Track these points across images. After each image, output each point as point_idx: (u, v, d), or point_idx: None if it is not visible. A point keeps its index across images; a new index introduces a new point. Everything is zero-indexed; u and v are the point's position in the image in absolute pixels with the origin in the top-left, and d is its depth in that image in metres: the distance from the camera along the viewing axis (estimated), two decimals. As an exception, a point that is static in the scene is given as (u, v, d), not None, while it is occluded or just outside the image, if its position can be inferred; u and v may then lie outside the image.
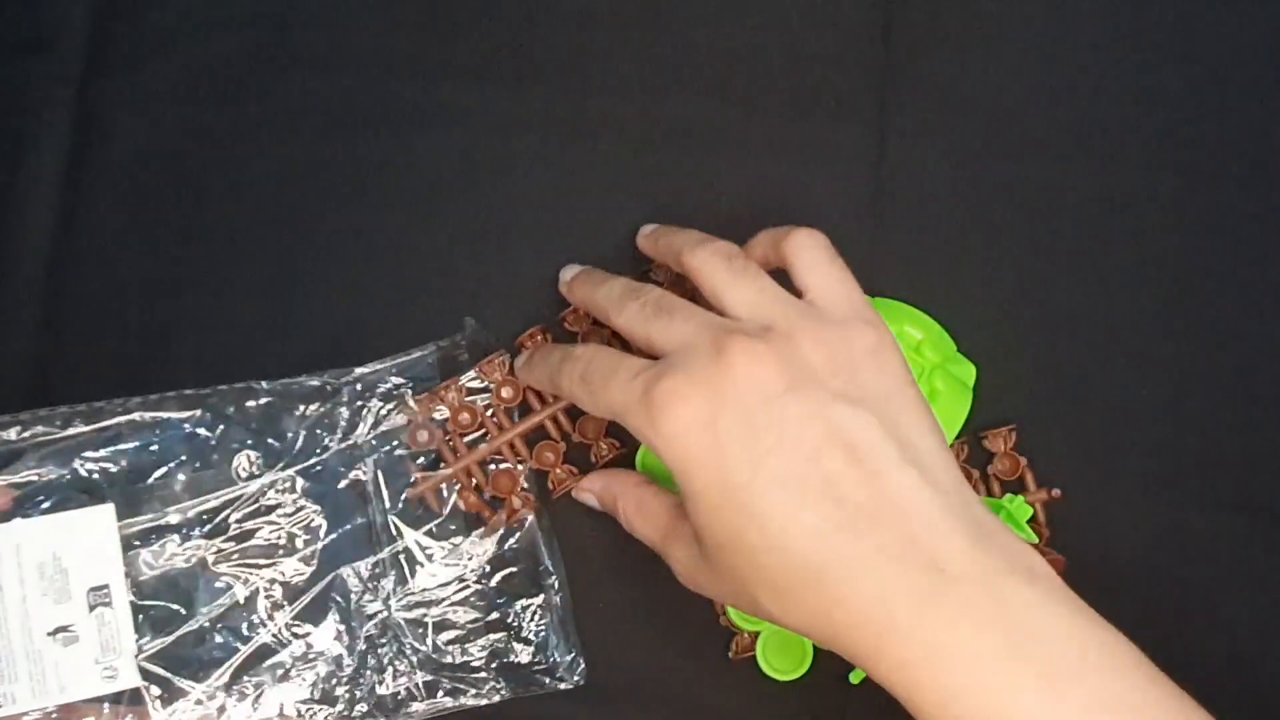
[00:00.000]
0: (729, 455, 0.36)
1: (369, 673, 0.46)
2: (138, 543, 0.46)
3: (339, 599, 0.46)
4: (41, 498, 0.46)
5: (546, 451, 0.48)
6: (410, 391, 0.48)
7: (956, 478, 0.37)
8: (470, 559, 0.47)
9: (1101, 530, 0.48)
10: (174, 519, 0.46)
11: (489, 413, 0.48)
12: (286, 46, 0.52)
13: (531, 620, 0.47)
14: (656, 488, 0.44)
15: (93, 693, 0.44)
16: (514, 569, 0.48)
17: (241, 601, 0.46)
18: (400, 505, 0.47)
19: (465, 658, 0.47)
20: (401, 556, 0.47)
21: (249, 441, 0.47)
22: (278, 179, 0.51)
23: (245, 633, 0.46)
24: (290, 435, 0.48)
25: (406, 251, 0.51)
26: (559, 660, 0.47)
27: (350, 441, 0.48)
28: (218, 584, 0.46)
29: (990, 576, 0.35)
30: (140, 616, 0.45)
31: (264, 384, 0.48)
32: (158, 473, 0.47)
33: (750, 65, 0.52)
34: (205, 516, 0.47)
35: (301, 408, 0.48)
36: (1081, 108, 0.50)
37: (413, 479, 0.47)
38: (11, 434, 0.46)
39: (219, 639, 0.46)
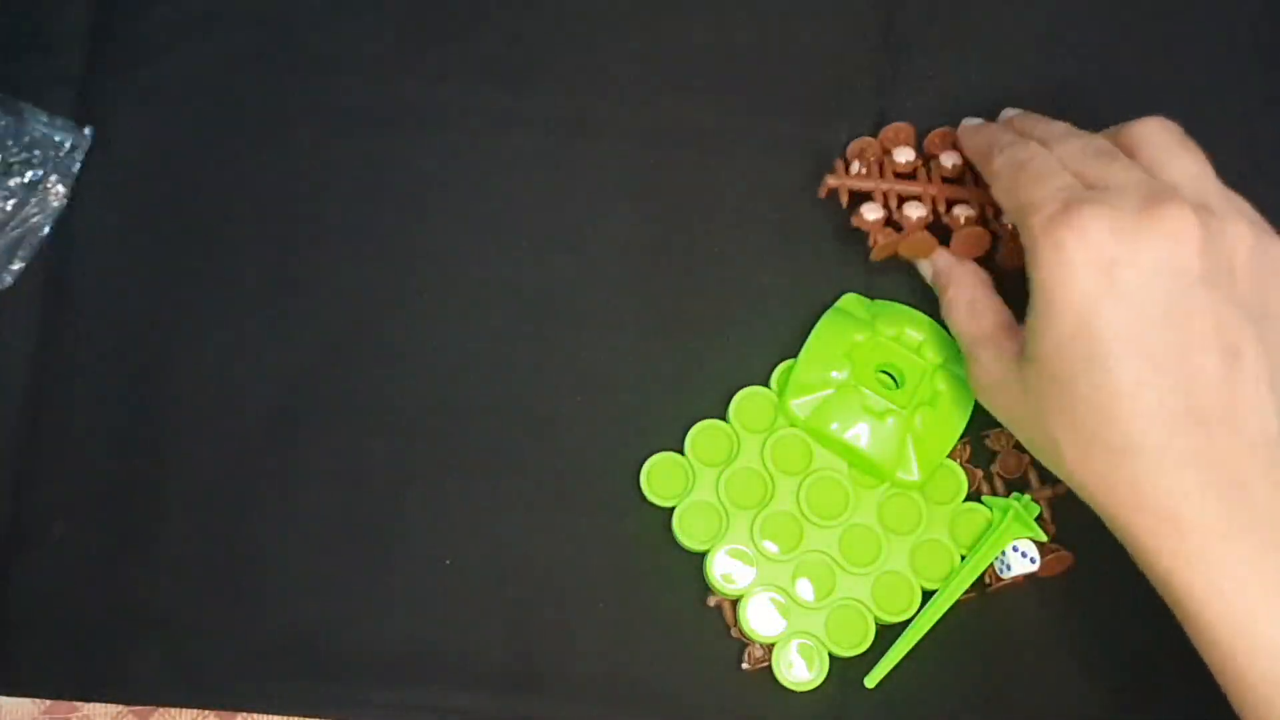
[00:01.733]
0: (1114, 306, 0.36)
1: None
2: None
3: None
4: None
5: (869, 214, 0.48)
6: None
7: None
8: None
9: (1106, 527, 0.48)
10: None
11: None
12: (286, 46, 0.52)
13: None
14: (994, 293, 0.45)
15: None
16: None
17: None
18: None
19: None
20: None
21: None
22: (278, 179, 0.51)
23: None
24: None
25: (405, 251, 0.51)
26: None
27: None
28: None
29: None
30: None
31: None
32: None
33: (750, 65, 0.52)
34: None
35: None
36: (1081, 108, 0.50)
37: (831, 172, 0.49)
38: None
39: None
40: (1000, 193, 0.42)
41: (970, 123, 0.48)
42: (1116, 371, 0.36)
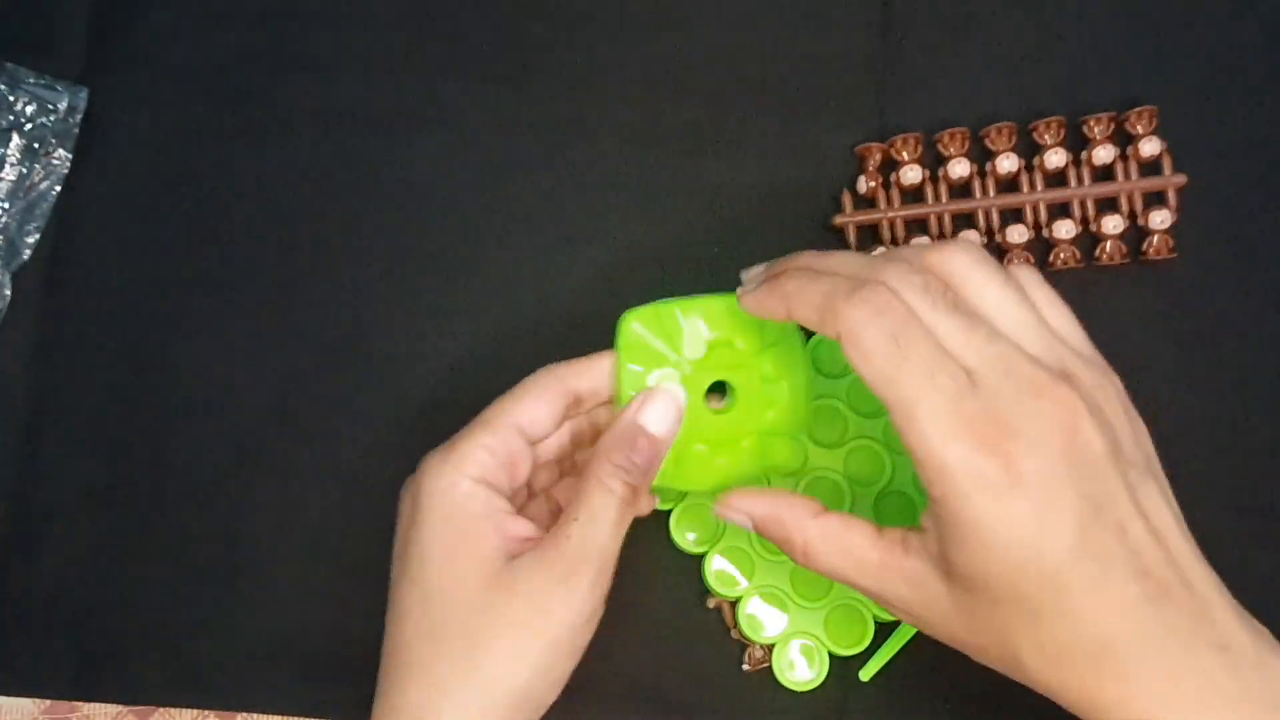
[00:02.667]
0: (1043, 515, 0.34)
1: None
2: None
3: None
4: None
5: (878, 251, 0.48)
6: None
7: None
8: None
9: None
10: None
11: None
12: (286, 46, 0.52)
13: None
14: (845, 516, 0.38)
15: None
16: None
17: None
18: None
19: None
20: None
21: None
22: (277, 179, 0.51)
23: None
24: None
25: (406, 251, 0.51)
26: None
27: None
28: None
29: (1265, 656, 0.35)
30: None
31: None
32: None
33: (750, 65, 0.52)
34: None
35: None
36: (1081, 108, 0.50)
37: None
38: None
39: None
40: (870, 371, 0.35)
41: (752, 273, 0.41)
42: (1074, 582, 0.34)
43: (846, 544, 0.38)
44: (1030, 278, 0.38)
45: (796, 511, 0.39)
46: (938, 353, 0.35)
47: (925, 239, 0.49)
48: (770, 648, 0.46)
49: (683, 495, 0.47)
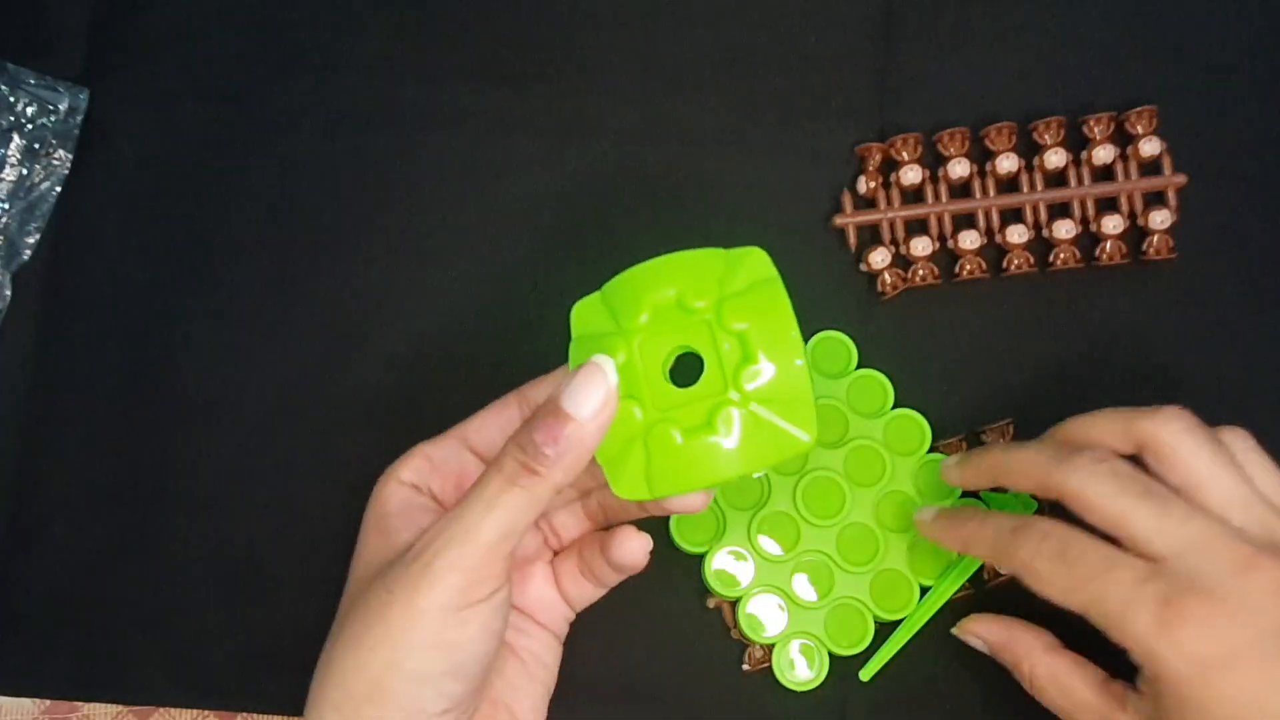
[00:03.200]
0: (1260, 691, 0.34)
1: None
2: None
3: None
4: None
5: (876, 261, 0.48)
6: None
7: None
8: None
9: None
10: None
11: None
12: (287, 46, 0.52)
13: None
14: (1074, 657, 0.41)
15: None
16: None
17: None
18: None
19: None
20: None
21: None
22: (278, 179, 0.51)
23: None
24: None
25: (406, 251, 0.51)
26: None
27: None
28: None
29: None
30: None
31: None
32: None
33: (750, 65, 0.52)
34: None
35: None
36: (1081, 108, 0.50)
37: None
38: None
39: None
40: (1054, 591, 0.37)
41: (923, 516, 0.44)
42: None
43: (1071, 686, 0.40)
44: (1243, 443, 0.39)
45: (1030, 643, 0.42)
46: (1107, 552, 0.36)
47: (926, 239, 0.49)
48: (770, 648, 0.46)
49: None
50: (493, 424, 0.40)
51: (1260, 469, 0.39)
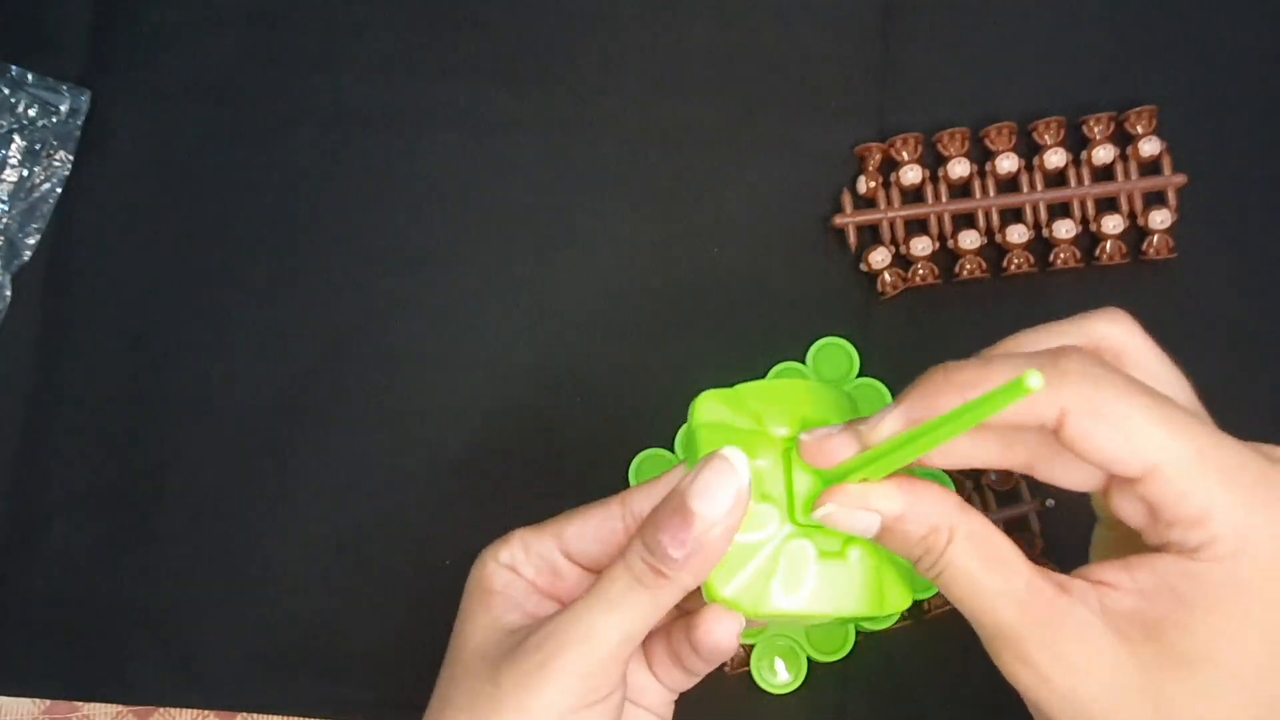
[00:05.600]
0: None
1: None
2: None
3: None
4: None
5: (876, 261, 0.48)
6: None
7: None
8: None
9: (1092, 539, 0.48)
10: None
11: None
12: (286, 46, 0.52)
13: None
14: (1002, 533, 0.32)
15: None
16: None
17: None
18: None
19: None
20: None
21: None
22: (278, 179, 0.51)
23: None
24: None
25: (406, 251, 0.51)
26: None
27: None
28: None
29: None
30: None
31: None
32: None
33: (750, 65, 0.52)
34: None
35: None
36: (1081, 108, 0.50)
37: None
38: None
39: None
40: (1104, 440, 0.30)
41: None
42: None
43: (1003, 554, 0.31)
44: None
45: (943, 500, 0.32)
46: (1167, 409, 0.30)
47: (926, 239, 0.49)
48: (750, 649, 0.46)
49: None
50: (592, 532, 0.36)
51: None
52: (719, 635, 0.34)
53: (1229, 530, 0.28)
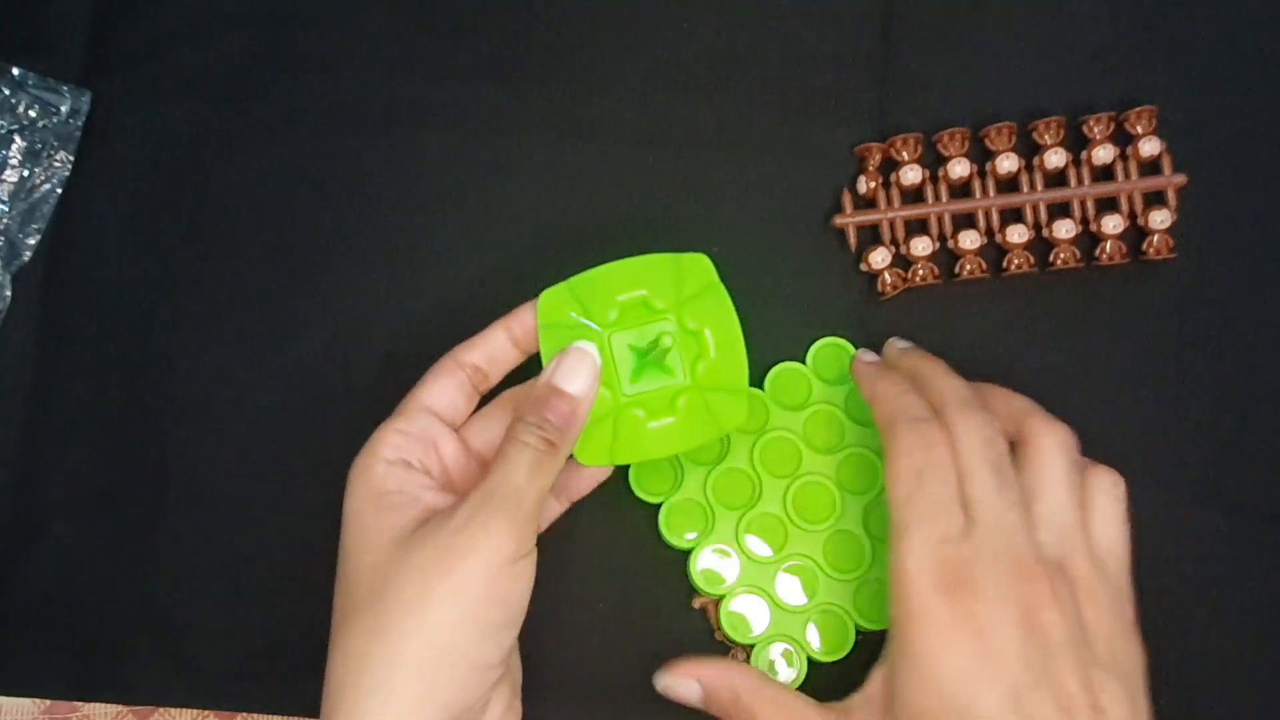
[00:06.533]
0: (986, 664, 0.37)
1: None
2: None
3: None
4: None
5: (877, 261, 0.49)
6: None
7: None
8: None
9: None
10: None
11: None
12: (286, 46, 0.52)
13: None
14: (790, 690, 0.42)
15: None
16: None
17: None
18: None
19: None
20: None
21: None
22: (278, 179, 0.51)
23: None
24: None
25: (406, 251, 0.51)
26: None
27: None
28: None
29: None
30: None
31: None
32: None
33: (750, 65, 0.52)
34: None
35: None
36: (1081, 108, 0.50)
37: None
38: None
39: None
40: (891, 486, 0.41)
41: (865, 358, 0.47)
42: None
43: (795, 709, 0.41)
44: (1104, 485, 0.42)
45: (746, 676, 0.42)
46: (949, 499, 0.40)
47: (926, 239, 0.49)
48: (750, 649, 0.46)
49: (674, 487, 0.47)
50: (449, 387, 0.44)
51: (1102, 515, 0.41)
52: (590, 481, 0.46)
53: (911, 611, 0.39)
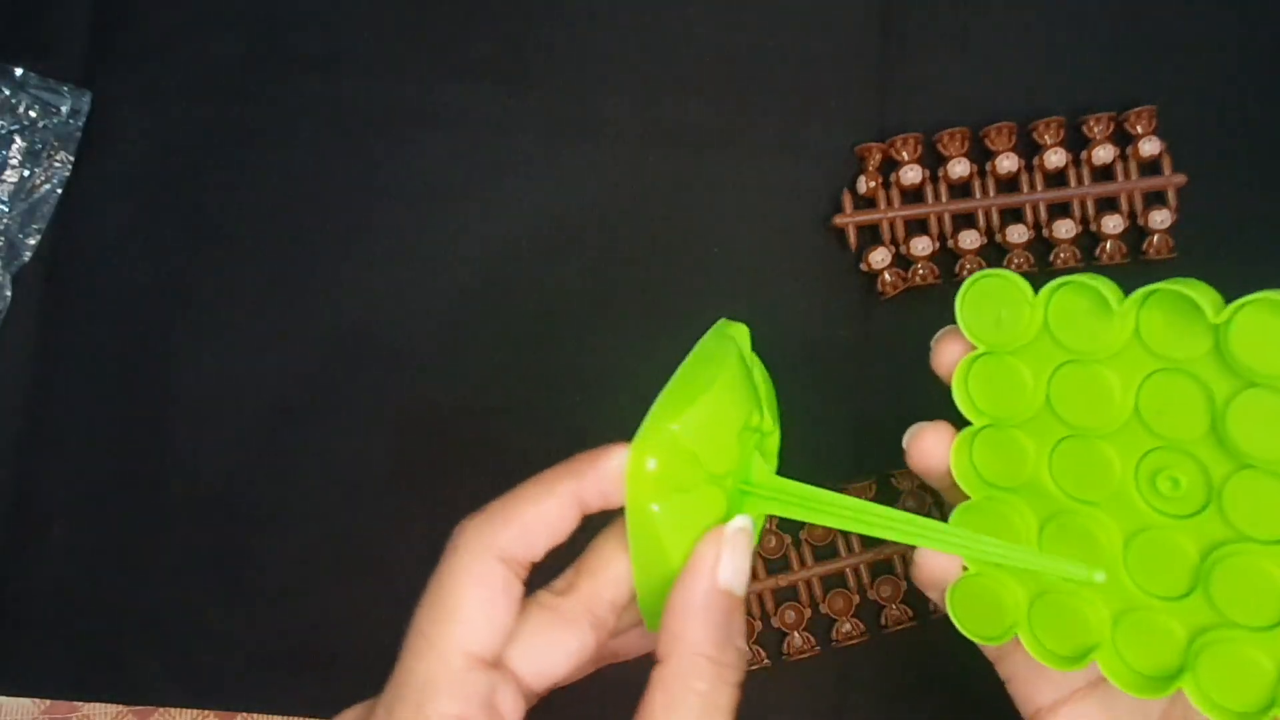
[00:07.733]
0: None
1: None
2: None
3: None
4: None
5: (877, 261, 0.48)
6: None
7: None
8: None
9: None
10: None
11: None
12: (286, 47, 0.52)
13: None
14: None
15: None
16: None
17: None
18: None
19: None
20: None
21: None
22: (278, 179, 0.51)
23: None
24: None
25: (406, 251, 0.51)
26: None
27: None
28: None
29: None
30: None
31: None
32: None
33: (750, 65, 0.52)
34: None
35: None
36: (1081, 108, 0.50)
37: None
38: None
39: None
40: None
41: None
42: None
43: None
44: None
45: None
46: None
47: (926, 239, 0.49)
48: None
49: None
50: (486, 605, 0.32)
51: None
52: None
53: None
